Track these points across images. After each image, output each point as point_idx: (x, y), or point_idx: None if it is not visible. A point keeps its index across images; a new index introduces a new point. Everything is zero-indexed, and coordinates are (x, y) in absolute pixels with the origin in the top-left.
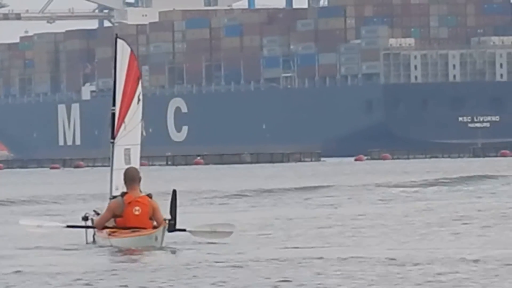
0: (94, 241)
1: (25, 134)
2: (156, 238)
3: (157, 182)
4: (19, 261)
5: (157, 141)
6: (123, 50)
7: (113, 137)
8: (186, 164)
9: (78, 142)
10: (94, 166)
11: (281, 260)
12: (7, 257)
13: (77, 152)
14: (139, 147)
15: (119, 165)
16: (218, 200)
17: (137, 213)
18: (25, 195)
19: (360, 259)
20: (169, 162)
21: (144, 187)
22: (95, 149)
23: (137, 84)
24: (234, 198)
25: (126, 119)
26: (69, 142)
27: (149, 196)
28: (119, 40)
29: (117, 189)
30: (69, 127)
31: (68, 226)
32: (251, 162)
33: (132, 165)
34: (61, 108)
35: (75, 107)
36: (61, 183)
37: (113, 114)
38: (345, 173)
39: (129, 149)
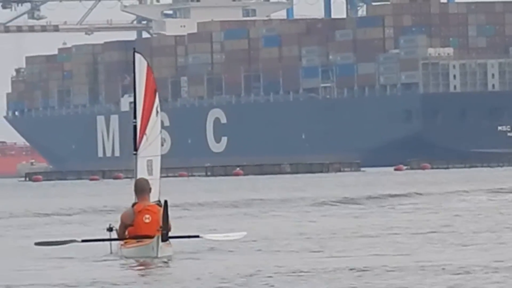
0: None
1: (64, 146)
2: (152, 248)
3: (196, 192)
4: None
5: (196, 152)
6: (141, 64)
7: (136, 149)
8: (226, 175)
9: (117, 153)
10: (133, 177)
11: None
12: (49, 267)
13: (117, 163)
14: (159, 158)
15: (143, 176)
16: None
17: (147, 221)
18: (65, 206)
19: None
20: (208, 173)
21: (182, 197)
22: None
23: (155, 96)
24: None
25: (147, 131)
26: (108, 154)
27: (159, 204)
28: (136, 54)
29: None
30: (108, 139)
31: (84, 241)
32: (290, 172)
33: (153, 176)
34: (100, 119)
35: (114, 119)
36: (99, 194)
37: (135, 127)
38: (409, 183)
39: (151, 160)
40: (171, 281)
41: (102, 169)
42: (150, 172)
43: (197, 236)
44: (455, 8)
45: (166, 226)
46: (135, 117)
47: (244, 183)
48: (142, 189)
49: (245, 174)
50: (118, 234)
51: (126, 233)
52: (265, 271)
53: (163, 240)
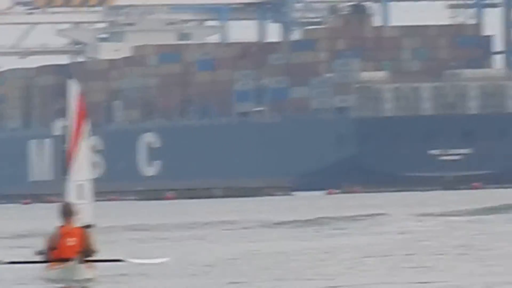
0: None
1: None
2: (71, 271)
3: (126, 216)
4: None
5: (128, 176)
6: (74, 90)
7: (67, 173)
8: (157, 199)
9: (50, 177)
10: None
11: None
12: None
13: (49, 187)
14: (90, 182)
15: (74, 200)
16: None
17: (70, 244)
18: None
19: None
20: (140, 197)
21: (112, 221)
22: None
23: (85, 122)
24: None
25: (78, 156)
26: (41, 177)
27: (84, 228)
28: (70, 81)
29: None
30: (41, 162)
31: (10, 262)
32: (222, 196)
33: (85, 199)
34: (33, 143)
35: (47, 142)
36: (32, 217)
37: (67, 151)
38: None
39: (82, 184)
40: None
41: (35, 192)
42: (81, 196)
43: (121, 260)
44: (389, 32)
45: (85, 249)
46: (67, 143)
47: (175, 207)
48: (66, 212)
49: (177, 198)
50: (44, 257)
51: (52, 255)
52: None
53: (81, 263)
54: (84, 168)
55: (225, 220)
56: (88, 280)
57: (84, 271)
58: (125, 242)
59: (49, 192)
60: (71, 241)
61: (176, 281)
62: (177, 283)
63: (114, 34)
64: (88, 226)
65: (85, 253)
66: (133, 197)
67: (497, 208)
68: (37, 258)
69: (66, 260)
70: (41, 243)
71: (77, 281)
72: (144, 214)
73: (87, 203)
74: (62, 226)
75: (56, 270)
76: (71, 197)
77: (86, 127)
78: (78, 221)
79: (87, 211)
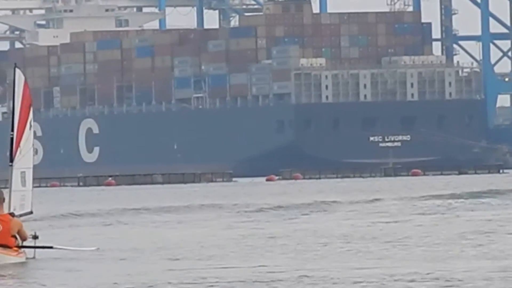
0: None
1: None
2: None
3: (69, 203)
4: None
5: (68, 162)
6: (19, 79)
7: (12, 160)
8: (98, 185)
9: None
10: (5, 187)
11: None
12: None
13: None
14: (31, 170)
15: (17, 187)
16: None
17: None
18: None
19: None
20: (81, 183)
21: (53, 207)
22: (5, 171)
23: (29, 111)
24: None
25: (21, 144)
26: None
27: (12, 214)
28: (16, 70)
29: (14, 209)
30: None
31: None
32: (162, 183)
33: (26, 187)
34: None
35: None
36: None
37: (12, 139)
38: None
39: (24, 172)
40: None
41: None
42: (23, 183)
43: (50, 247)
44: (327, 19)
45: (14, 236)
46: (12, 130)
47: (116, 193)
48: None
49: (117, 184)
50: None
51: None
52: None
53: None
54: (28, 156)
55: (168, 205)
56: (17, 264)
57: (10, 257)
58: (62, 229)
59: None
60: None
61: (108, 264)
62: (109, 267)
63: (52, 21)
64: (12, 214)
65: (14, 239)
66: (74, 183)
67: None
68: (33, 243)
69: None
70: None
71: (2, 265)
72: (83, 201)
73: (28, 190)
74: None
75: None
76: (14, 184)
77: (30, 116)
78: (6, 208)
79: (28, 198)
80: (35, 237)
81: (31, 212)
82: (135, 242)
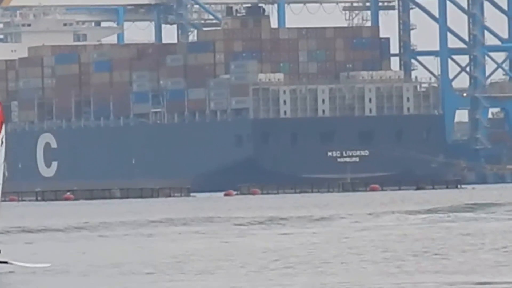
0: None
1: None
2: None
3: (26, 217)
4: None
5: (26, 177)
6: None
7: None
8: (56, 200)
9: None
10: None
11: None
12: None
13: None
14: (0, 186)
15: None
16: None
17: None
18: None
19: None
20: (39, 198)
21: (11, 222)
22: None
23: (1, 128)
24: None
25: None
26: None
27: None
28: None
29: None
30: None
31: None
32: (120, 197)
33: None
34: None
35: None
36: None
37: None
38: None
39: None
40: None
41: None
42: None
43: (6, 262)
44: (286, 34)
45: None
46: None
47: (74, 208)
48: None
49: (75, 199)
50: None
51: None
52: None
53: None
54: None
55: (124, 220)
56: None
57: None
58: (18, 244)
59: None
60: None
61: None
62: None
63: (10, 35)
64: None
65: None
66: (32, 198)
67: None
68: None
69: None
70: None
71: None
72: (40, 215)
73: None
74: None
75: None
76: None
77: (2, 133)
78: None
79: None
80: None
81: None
82: (90, 258)
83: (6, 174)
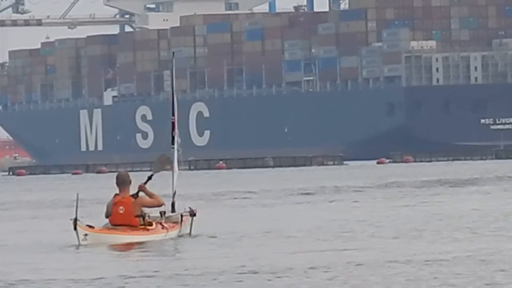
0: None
1: (47, 140)
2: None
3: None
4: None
5: (180, 146)
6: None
7: (172, 143)
8: (209, 169)
9: (100, 147)
10: (116, 171)
11: None
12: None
13: (100, 158)
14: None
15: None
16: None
17: (121, 212)
18: (48, 199)
19: None
20: (192, 167)
21: (165, 190)
22: (118, 154)
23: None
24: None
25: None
26: (91, 148)
27: (134, 196)
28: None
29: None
30: (91, 133)
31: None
32: (273, 166)
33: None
34: (83, 113)
35: (97, 113)
36: (83, 188)
37: (173, 123)
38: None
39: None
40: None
41: (85, 163)
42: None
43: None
44: (438, 1)
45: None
46: (173, 114)
47: (227, 176)
48: (122, 181)
49: (228, 168)
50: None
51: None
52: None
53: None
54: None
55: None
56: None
57: (136, 236)
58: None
59: (100, 162)
60: (121, 210)
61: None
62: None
63: (162, 4)
64: (137, 195)
65: (140, 219)
66: (185, 167)
67: None
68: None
69: (118, 226)
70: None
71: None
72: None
73: (175, 171)
74: (117, 194)
75: (100, 234)
76: (177, 164)
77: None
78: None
79: (173, 178)
80: (192, 214)
81: (135, 194)
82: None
83: (179, 140)
